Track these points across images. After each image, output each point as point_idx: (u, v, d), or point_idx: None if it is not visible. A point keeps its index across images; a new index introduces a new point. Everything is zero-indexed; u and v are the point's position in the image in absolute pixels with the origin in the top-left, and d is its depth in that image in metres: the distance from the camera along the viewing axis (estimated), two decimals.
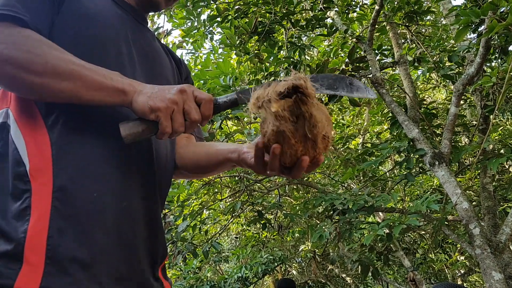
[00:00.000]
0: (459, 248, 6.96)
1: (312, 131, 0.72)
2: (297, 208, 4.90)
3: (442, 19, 5.81)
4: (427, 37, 5.03)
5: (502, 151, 3.86)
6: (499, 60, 3.57)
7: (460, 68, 4.02)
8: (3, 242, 0.72)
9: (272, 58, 3.54)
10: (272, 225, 5.89)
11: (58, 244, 0.73)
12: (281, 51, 4.10)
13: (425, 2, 4.88)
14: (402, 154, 3.84)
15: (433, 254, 7.60)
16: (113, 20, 0.95)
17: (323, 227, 3.25)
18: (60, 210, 0.75)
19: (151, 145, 0.92)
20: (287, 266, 8.64)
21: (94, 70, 0.79)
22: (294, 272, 8.67)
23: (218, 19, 3.99)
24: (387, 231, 3.24)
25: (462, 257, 6.74)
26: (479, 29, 3.25)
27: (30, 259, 0.71)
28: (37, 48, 0.76)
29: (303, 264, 8.85)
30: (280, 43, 4.02)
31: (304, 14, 4.74)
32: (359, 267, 3.80)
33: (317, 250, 6.49)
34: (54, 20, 0.86)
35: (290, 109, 0.71)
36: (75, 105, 0.80)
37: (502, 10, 2.69)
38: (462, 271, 7.40)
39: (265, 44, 3.87)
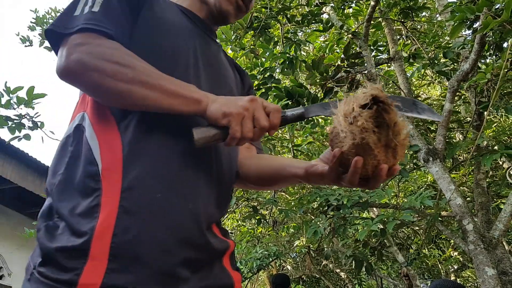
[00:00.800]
0: (452, 243, 7.01)
1: (396, 138, 0.73)
2: (292, 203, 4.90)
3: (437, 15, 5.82)
4: (422, 34, 5.03)
5: (496, 147, 3.88)
6: (494, 56, 3.58)
7: (455, 64, 4.03)
8: (72, 238, 0.76)
9: (267, 53, 3.53)
10: (267, 220, 5.90)
11: (122, 242, 0.76)
12: (277, 47, 4.10)
13: None
14: None
15: (426, 250, 7.65)
16: (183, 32, 1.00)
17: (318, 223, 3.25)
18: (127, 210, 0.78)
19: (215, 153, 0.96)
20: (281, 261, 8.67)
21: (174, 81, 0.85)
22: (289, 267, 8.70)
23: None
24: (381, 226, 3.25)
25: (456, 253, 6.79)
26: (474, 26, 3.26)
27: (95, 255, 0.74)
28: (124, 59, 0.82)
29: (297, 259, 8.89)
30: (276, 39, 4.01)
31: (300, 9, 4.73)
32: (353, 262, 3.82)
33: (311, 246, 6.51)
34: (131, 32, 0.92)
35: (373, 119, 0.71)
36: (148, 112, 0.85)
37: (497, 7, 2.70)
38: (455, 267, 7.46)
39: (260, 39, 3.86)
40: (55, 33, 0.86)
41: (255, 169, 1.09)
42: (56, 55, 0.86)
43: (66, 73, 0.82)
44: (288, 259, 8.80)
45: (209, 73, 1.02)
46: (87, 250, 0.74)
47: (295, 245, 6.78)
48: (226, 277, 0.94)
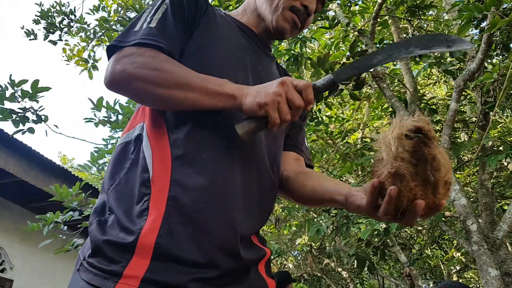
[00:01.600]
0: (455, 244, 6.98)
1: (434, 175, 0.70)
2: None
3: (444, 14, 5.77)
4: (428, 32, 4.99)
5: (501, 148, 3.85)
6: (500, 56, 3.54)
7: (461, 63, 4.00)
8: (121, 234, 0.84)
9: (272, 50, 3.51)
10: (270, 218, 5.89)
11: (165, 243, 0.83)
12: (282, 43, 4.07)
13: None
14: None
15: (429, 250, 7.62)
16: (236, 49, 1.06)
17: (321, 221, 3.24)
18: (171, 215, 0.85)
19: (256, 167, 1.00)
20: (283, 259, 8.66)
21: (209, 80, 0.90)
22: (290, 265, 8.70)
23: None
24: (384, 225, 3.23)
25: (458, 254, 6.76)
26: (481, 25, 3.22)
27: (140, 252, 0.81)
28: (163, 66, 0.89)
29: (299, 257, 8.88)
30: None
31: None
32: (356, 261, 3.80)
33: (313, 244, 6.50)
34: (184, 47, 0.99)
35: (412, 150, 0.70)
36: (196, 126, 0.93)
37: (505, 6, 2.67)
38: (458, 268, 7.43)
39: None
40: (114, 47, 0.94)
41: (301, 190, 1.11)
42: None
43: (112, 83, 0.91)
44: (290, 257, 8.80)
45: (258, 83, 1.02)
46: (134, 247, 0.82)
47: (297, 243, 6.77)
48: (261, 282, 0.97)
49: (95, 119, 4.25)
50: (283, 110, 0.86)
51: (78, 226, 3.62)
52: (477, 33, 3.54)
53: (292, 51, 3.51)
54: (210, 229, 0.87)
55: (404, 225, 0.82)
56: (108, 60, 0.95)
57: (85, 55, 5.58)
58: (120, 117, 4.42)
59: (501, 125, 5.68)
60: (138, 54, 0.90)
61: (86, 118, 4.22)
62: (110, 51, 0.95)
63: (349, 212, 1.05)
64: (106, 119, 4.42)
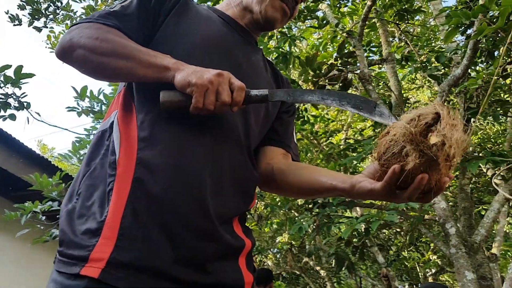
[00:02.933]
0: (432, 247, 7.09)
1: (450, 154, 0.73)
2: (278, 199, 4.90)
3: (431, 19, 5.85)
4: (415, 37, 5.05)
5: (480, 154, 3.92)
6: (485, 63, 3.60)
7: (447, 69, 4.06)
8: (90, 221, 0.85)
9: (261, 47, 3.50)
10: (252, 215, 5.89)
11: (130, 224, 0.83)
12: (271, 41, 4.07)
13: (416, 2, 4.89)
14: None
15: (406, 252, 7.73)
16: (213, 39, 1.06)
17: (302, 220, 3.25)
18: (136, 196, 0.86)
19: (230, 150, 0.99)
20: (263, 257, 8.68)
21: (147, 52, 0.92)
22: (270, 263, 8.72)
23: (209, 3, 3.93)
24: (365, 226, 3.26)
25: (435, 257, 6.87)
26: (468, 32, 3.27)
27: (106, 234, 0.82)
28: (105, 36, 0.91)
29: (278, 255, 8.91)
30: (270, 33, 3.98)
31: None
32: (335, 260, 3.84)
33: (293, 242, 6.53)
34: (151, 36, 1.01)
35: (442, 136, 0.73)
36: (158, 107, 0.92)
37: (491, 14, 2.71)
38: (434, 270, 7.56)
39: None
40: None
41: (296, 179, 1.10)
42: None
43: (59, 52, 0.94)
44: (269, 255, 8.82)
45: (238, 74, 1.01)
46: (100, 229, 0.83)
47: (277, 241, 6.80)
48: (237, 275, 0.95)
49: (78, 108, 4.19)
50: (208, 98, 0.87)
51: (57, 216, 3.56)
52: (463, 40, 3.59)
53: (281, 49, 3.51)
54: (176, 208, 0.87)
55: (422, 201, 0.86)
56: None
57: None
58: (103, 107, 4.36)
59: (481, 131, 5.79)
60: (85, 27, 0.94)
61: (68, 107, 4.15)
62: None
63: (353, 199, 1.06)
64: (89, 108, 4.36)
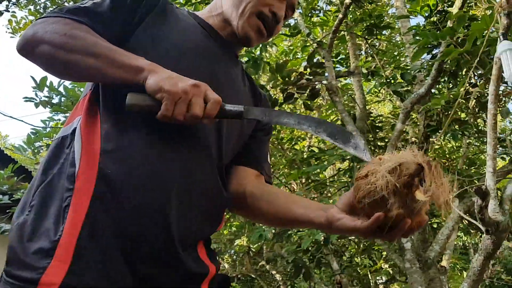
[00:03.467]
0: (384, 255, 7.29)
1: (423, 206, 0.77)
2: None
3: (397, 35, 6.01)
4: (381, 51, 5.18)
5: None
6: (448, 83, 3.73)
7: (410, 86, 4.18)
8: (43, 239, 0.77)
9: (241, 59, 3.47)
10: None
11: (87, 244, 0.77)
12: None
13: (385, 18, 5.02)
14: (346, 162, 3.92)
15: (359, 259, 7.91)
16: (190, 47, 1.00)
17: (263, 227, 3.25)
18: (95, 213, 0.79)
19: (201, 170, 0.93)
20: (220, 258, 8.64)
21: (119, 52, 0.86)
22: (226, 265, 8.68)
23: (181, 1, 3.86)
24: (324, 236, 3.30)
25: (386, 265, 7.07)
26: (434, 51, 3.39)
27: (60, 255, 0.75)
28: (73, 32, 0.85)
29: (235, 257, 8.89)
30: None
31: None
32: (293, 268, 3.86)
33: (252, 246, 6.52)
34: (126, 37, 0.94)
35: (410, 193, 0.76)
36: (131, 118, 0.86)
37: (458, 37, 2.81)
38: (384, 279, 7.77)
39: None
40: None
41: (270, 207, 1.05)
42: None
43: (21, 47, 0.87)
44: (226, 257, 8.79)
45: (214, 86, 0.98)
46: (53, 249, 0.75)
47: (235, 244, 6.78)
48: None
49: (35, 99, 4.00)
50: (179, 108, 0.81)
51: (7, 211, 3.40)
52: (429, 59, 3.71)
53: (252, 54, 3.49)
54: (138, 231, 0.81)
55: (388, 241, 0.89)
56: None
57: None
58: (63, 99, 4.19)
59: (437, 149, 6.01)
60: (52, 21, 0.87)
61: (26, 97, 3.96)
62: None
63: (332, 234, 1.06)
64: (48, 100, 4.19)
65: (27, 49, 0.86)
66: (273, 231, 3.69)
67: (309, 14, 4.50)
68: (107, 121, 0.87)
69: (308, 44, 4.19)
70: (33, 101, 3.89)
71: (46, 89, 3.99)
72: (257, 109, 0.95)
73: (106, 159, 0.83)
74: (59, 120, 4.34)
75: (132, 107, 0.84)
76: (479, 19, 2.67)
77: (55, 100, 4.23)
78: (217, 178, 0.98)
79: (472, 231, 6.22)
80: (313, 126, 0.93)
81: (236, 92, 1.08)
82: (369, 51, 4.79)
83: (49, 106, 4.15)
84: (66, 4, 4.95)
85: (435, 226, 5.29)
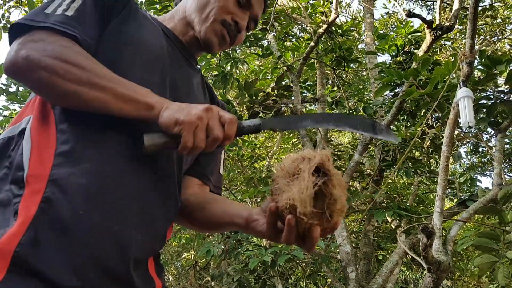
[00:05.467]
0: (329, 282, 7.37)
1: (330, 207, 0.73)
2: None
3: (364, 70, 6.23)
4: (346, 83, 5.34)
5: (384, 203, 4.17)
6: (407, 122, 3.89)
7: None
8: None
9: (204, 62, 3.48)
10: None
11: (26, 253, 0.70)
12: (214, 58, 4.06)
13: (354, 51, 5.19)
14: None
15: (304, 283, 7.95)
16: (155, 51, 0.97)
17: (213, 242, 3.22)
18: (41, 221, 0.73)
19: (155, 178, 0.89)
20: (165, 270, 8.45)
21: (124, 85, 0.81)
22: (170, 277, 8.50)
23: (158, 6, 3.84)
24: (272, 258, 3.30)
25: None
26: (397, 90, 3.53)
27: None
28: (76, 59, 0.79)
29: (181, 270, 8.72)
30: None
31: None
32: (238, 287, 3.83)
33: (199, 261, 6.43)
34: (100, 38, 0.89)
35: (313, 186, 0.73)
36: (92, 122, 0.81)
37: (421, 79, 2.95)
38: None
39: None
40: (20, 25, 0.81)
41: (201, 213, 1.03)
42: None
43: (13, 70, 0.79)
44: (171, 269, 8.60)
45: (172, 94, 0.96)
46: None
47: (182, 257, 6.66)
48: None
49: None
50: (199, 136, 0.80)
51: None
52: (391, 96, 3.85)
53: (223, 69, 3.51)
54: (88, 242, 0.75)
55: (305, 251, 0.85)
56: (10, 42, 0.82)
57: None
58: (21, 88, 4.04)
59: (390, 183, 6.20)
60: (49, 42, 0.79)
61: None
62: (15, 32, 0.82)
63: (249, 234, 1.04)
64: (4, 87, 4.02)
65: (20, 72, 0.79)
66: (222, 247, 3.66)
67: (283, 38, 4.59)
68: (63, 121, 0.82)
69: (278, 66, 4.26)
70: None
71: (4, 76, 3.84)
72: (274, 120, 0.95)
73: (61, 160, 0.78)
74: (14, 110, 4.18)
75: (151, 147, 0.82)
76: (443, 65, 2.81)
77: (13, 88, 4.07)
78: (177, 194, 0.96)
79: (414, 267, 6.40)
80: (333, 122, 0.94)
81: (196, 102, 1.07)
82: (336, 81, 4.92)
83: (4, 94, 3.99)
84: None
85: (380, 258, 5.42)
